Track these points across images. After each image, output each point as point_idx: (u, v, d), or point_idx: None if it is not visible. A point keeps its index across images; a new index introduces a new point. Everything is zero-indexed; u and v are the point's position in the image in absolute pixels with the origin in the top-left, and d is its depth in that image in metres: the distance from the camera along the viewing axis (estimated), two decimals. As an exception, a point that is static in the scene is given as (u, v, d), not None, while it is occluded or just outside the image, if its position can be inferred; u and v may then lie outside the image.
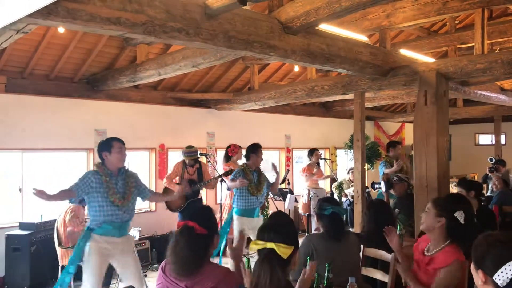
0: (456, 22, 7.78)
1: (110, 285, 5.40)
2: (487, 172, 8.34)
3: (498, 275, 1.50)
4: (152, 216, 7.21)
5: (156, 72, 5.48)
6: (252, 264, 2.29)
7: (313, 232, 6.27)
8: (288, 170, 7.17)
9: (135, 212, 4.22)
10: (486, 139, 13.46)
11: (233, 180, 5.39)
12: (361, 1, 3.51)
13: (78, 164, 6.74)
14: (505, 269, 1.49)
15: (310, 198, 7.99)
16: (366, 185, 7.03)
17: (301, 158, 10.30)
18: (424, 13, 5.45)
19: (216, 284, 2.31)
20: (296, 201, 7.81)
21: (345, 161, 10.69)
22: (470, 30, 6.43)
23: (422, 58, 6.35)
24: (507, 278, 1.48)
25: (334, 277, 2.68)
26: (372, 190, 7.47)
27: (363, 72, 5.33)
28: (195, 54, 4.72)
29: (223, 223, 5.91)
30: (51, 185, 6.53)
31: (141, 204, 5.79)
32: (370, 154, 9.30)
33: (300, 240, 2.61)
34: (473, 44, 5.48)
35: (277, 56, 4.18)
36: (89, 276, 3.81)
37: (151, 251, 6.71)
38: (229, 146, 7.00)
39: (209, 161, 7.02)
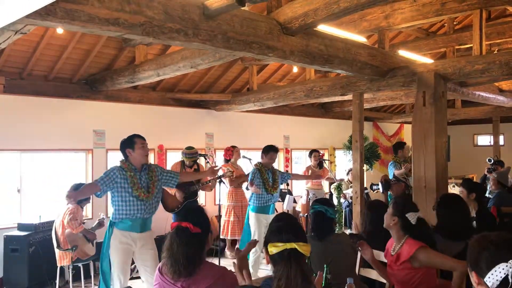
0: (455, 23, 7.79)
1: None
2: (486, 173, 8.34)
3: (489, 277, 1.50)
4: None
5: (155, 72, 5.48)
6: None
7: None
8: (287, 171, 7.17)
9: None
10: (484, 140, 13.48)
11: (251, 182, 5.54)
12: (359, 2, 3.51)
13: (76, 165, 6.74)
14: (495, 271, 1.49)
15: (309, 199, 8.00)
16: (365, 186, 7.04)
17: (300, 159, 10.31)
18: (423, 14, 5.46)
19: (213, 283, 2.31)
20: (294, 201, 7.81)
21: (344, 162, 10.69)
22: (468, 31, 6.46)
23: (421, 59, 6.37)
24: (497, 280, 1.49)
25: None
26: (371, 191, 7.48)
27: (361, 73, 5.33)
28: (194, 55, 4.72)
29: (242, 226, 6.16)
30: (49, 186, 6.57)
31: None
32: (368, 155, 9.29)
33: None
34: (471, 45, 5.50)
35: (275, 57, 4.19)
36: (115, 273, 3.93)
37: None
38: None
39: (207, 162, 7.02)
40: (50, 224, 5.61)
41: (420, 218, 3.01)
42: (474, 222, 4.07)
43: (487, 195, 7.27)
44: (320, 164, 8.21)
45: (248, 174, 5.86)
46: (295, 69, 8.12)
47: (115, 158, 5.28)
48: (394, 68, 5.54)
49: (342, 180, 8.63)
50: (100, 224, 5.60)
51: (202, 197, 8.06)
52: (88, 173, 6.69)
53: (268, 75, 8.42)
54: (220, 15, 3.55)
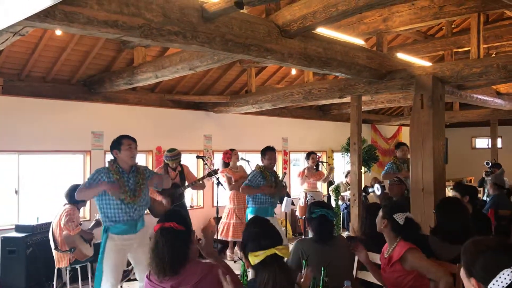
0: (453, 26, 7.83)
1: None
2: (484, 175, 8.36)
3: (493, 284, 1.46)
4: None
5: (153, 74, 5.47)
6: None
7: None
8: (285, 173, 7.17)
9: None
10: (482, 142, 13.51)
11: (249, 185, 5.38)
12: (357, 5, 3.52)
13: (74, 166, 6.73)
14: (500, 277, 1.46)
15: (307, 201, 8.00)
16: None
17: (298, 161, 10.31)
18: (421, 17, 5.48)
19: (201, 279, 2.33)
20: (293, 204, 7.80)
21: (342, 164, 10.70)
22: (466, 34, 6.47)
23: (419, 62, 6.38)
24: (503, 287, 1.45)
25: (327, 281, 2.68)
26: (369, 194, 7.46)
27: (360, 76, 5.34)
28: (192, 57, 4.72)
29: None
30: (47, 187, 6.56)
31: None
32: (367, 157, 9.30)
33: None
34: (469, 48, 5.51)
35: (274, 59, 4.19)
36: (108, 274, 3.87)
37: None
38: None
39: (205, 164, 7.02)
40: (47, 225, 5.59)
41: (408, 218, 3.05)
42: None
43: (485, 198, 7.29)
44: (317, 166, 8.25)
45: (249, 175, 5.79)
46: (293, 72, 8.14)
47: (113, 160, 5.26)
48: (392, 71, 5.55)
49: (327, 178, 8.66)
50: (98, 223, 5.56)
51: (201, 199, 8.07)
52: (86, 174, 6.66)
53: (267, 77, 8.43)
54: (218, 18, 3.55)
